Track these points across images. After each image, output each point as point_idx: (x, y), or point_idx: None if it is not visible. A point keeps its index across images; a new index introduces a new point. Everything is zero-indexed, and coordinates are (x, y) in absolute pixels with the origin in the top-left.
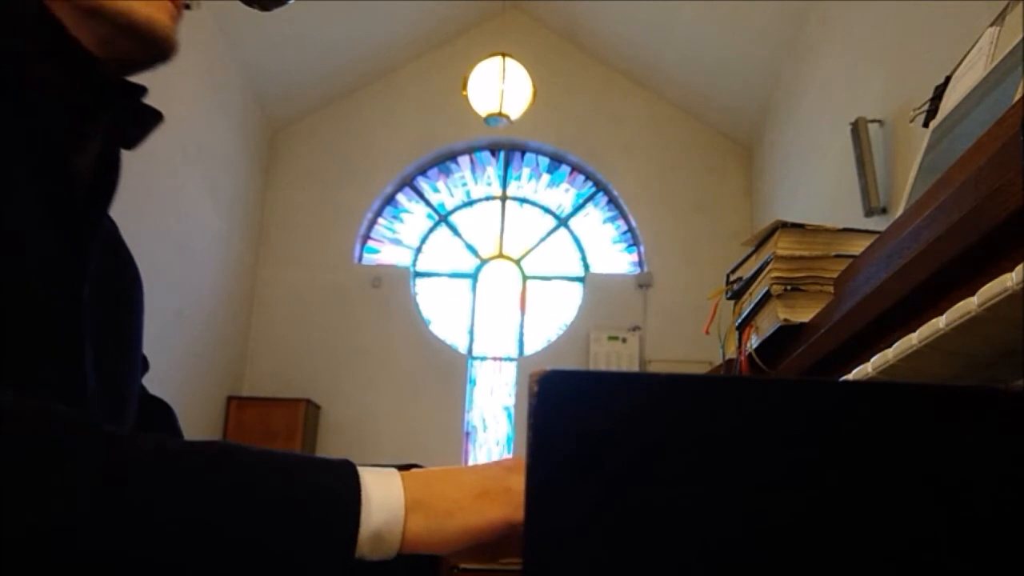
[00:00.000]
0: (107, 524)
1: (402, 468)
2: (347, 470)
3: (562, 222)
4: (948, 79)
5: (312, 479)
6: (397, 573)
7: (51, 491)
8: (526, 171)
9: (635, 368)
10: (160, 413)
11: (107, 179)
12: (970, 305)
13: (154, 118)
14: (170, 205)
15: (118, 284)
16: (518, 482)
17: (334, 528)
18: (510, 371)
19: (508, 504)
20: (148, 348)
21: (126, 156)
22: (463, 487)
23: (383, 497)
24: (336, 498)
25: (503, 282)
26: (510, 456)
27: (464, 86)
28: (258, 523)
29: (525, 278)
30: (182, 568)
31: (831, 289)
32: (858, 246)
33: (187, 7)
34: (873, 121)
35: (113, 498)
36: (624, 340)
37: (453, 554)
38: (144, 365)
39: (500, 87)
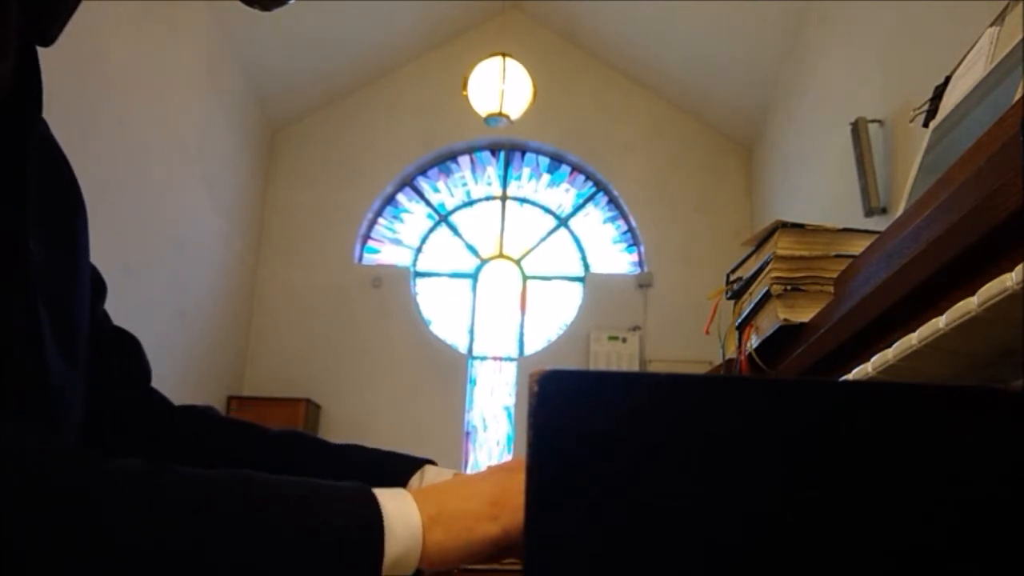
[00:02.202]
0: (122, 570)
1: (418, 463)
2: (369, 504)
3: (562, 222)
4: (948, 79)
5: (335, 517)
6: None
7: (74, 537)
8: (526, 171)
9: (635, 368)
10: (124, 348)
11: (29, 88)
12: (970, 305)
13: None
14: (170, 205)
15: (60, 201)
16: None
17: (359, 569)
18: (510, 371)
19: (522, 508)
20: (148, 348)
21: (127, 155)
22: (477, 497)
23: (403, 527)
24: (360, 538)
25: (503, 282)
26: (511, 458)
27: (464, 86)
28: (281, 566)
29: (525, 278)
30: None
31: (831, 289)
32: (858, 246)
33: None
34: (873, 121)
35: (130, 542)
36: (624, 340)
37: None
38: (103, 287)
39: (500, 87)
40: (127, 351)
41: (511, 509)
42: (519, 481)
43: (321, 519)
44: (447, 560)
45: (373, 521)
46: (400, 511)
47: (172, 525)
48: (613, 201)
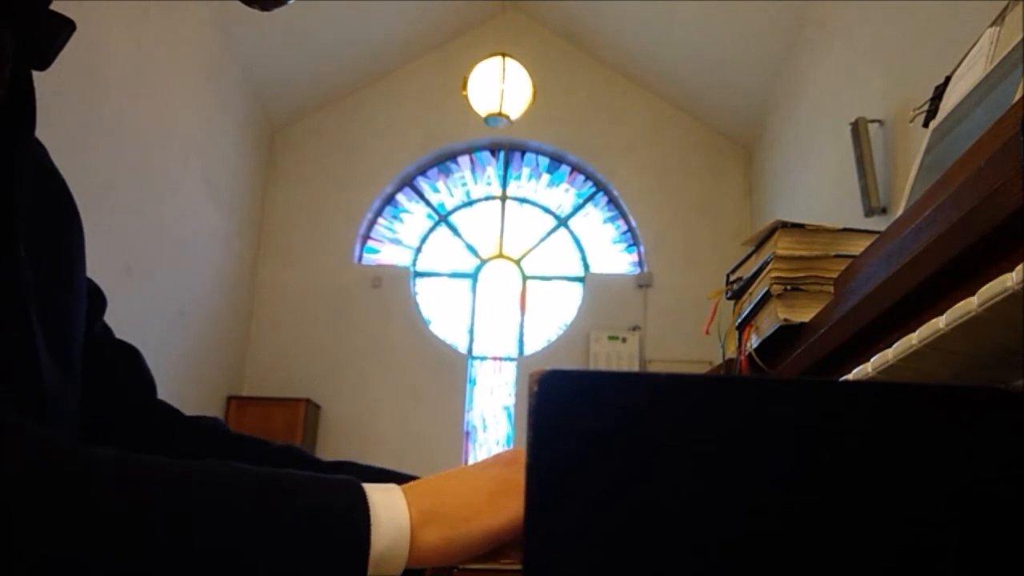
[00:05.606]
0: (109, 561)
1: (401, 479)
2: (355, 495)
3: (562, 222)
4: (948, 79)
5: (320, 507)
6: None
7: (60, 526)
8: (526, 171)
9: (635, 368)
10: (125, 361)
11: (23, 107)
12: (970, 305)
13: (65, 27)
14: (170, 205)
15: (54, 217)
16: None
17: (345, 558)
18: (510, 371)
19: (522, 498)
20: (148, 348)
21: (127, 155)
22: (474, 489)
23: (389, 517)
24: (346, 527)
25: (503, 282)
26: (508, 449)
27: (464, 86)
28: (267, 554)
29: (525, 278)
30: None
31: (831, 289)
32: (858, 246)
33: None
34: (873, 121)
35: (116, 533)
36: (624, 340)
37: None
38: (102, 301)
39: (500, 87)
40: (128, 363)
41: (512, 499)
42: (518, 473)
43: (303, 503)
44: (443, 555)
45: (358, 506)
46: (385, 502)
47: (146, 508)
48: (613, 201)
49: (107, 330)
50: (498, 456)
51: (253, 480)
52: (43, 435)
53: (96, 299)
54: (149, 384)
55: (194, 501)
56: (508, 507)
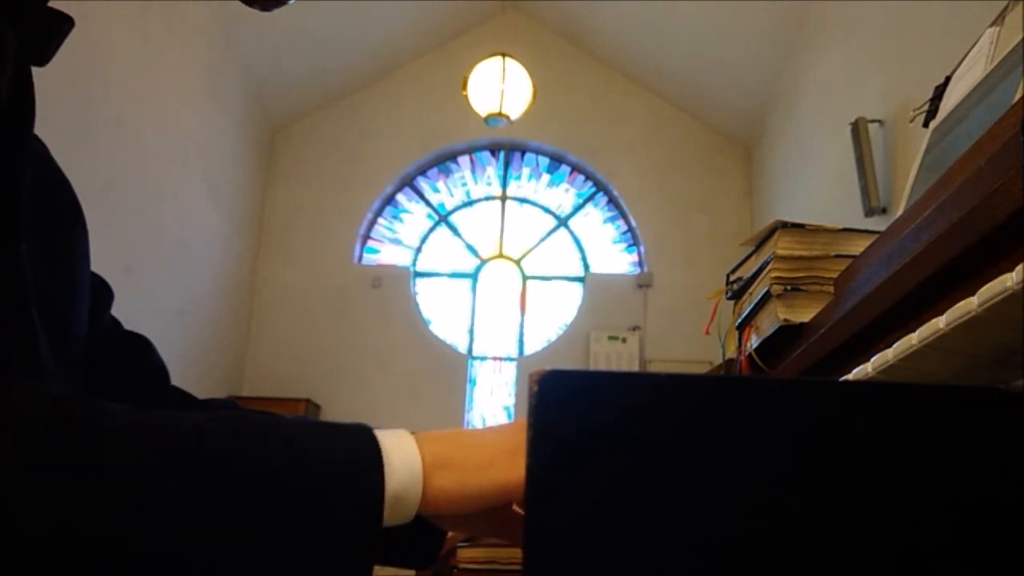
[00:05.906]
0: (113, 522)
1: None
2: (366, 439)
3: (562, 222)
4: (948, 79)
5: (332, 452)
6: (398, 549)
7: (51, 487)
8: (526, 171)
9: (635, 368)
10: (135, 350)
11: (23, 103)
12: (970, 305)
13: (64, 23)
14: (170, 205)
15: (55, 214)
16: None
17: (360, 502)
18: (510, 371)
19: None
20: None
21: (127, 155)
22: (485, 444)
23: (401, 460)
24: (358, 470)
25: (503, 282)
26: (513, 420)
27: (464, 86)
28: (281, 502)
29: (525, 278)
30: (196, 559)
31: (831, 289)
32: (858, 246)
33: None
34: (873, 121)
35: (119, 491)
36: (624, 340)
37: (464, 522)
38: (107, 294)
39: (500, 87)
40: (138, 352)
41: (519, 460)
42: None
43: (314, 450)
44: (451, 502)
45: (369, 450)
46: (397, 445)
47: (159, 458)
48: (613, 201)
49: (115, 323)
50: (504, 424)
51: (264, 429)
52: (43, 430)
53: (101, 292)
54: (160, 372)
55: (205, 454)
56: (518, 466)
